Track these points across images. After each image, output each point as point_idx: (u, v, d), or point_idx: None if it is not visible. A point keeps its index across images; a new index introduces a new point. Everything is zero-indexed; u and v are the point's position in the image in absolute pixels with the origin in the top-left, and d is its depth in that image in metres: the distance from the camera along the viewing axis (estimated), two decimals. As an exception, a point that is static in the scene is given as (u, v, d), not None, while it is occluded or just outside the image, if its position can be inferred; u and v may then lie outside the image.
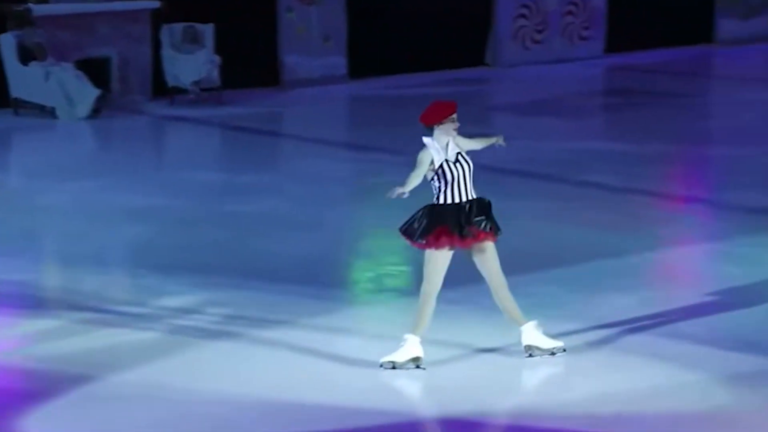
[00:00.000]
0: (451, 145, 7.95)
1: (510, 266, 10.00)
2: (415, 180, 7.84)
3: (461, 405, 7.38)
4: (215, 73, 17.93)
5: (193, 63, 17.86)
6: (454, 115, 7.94)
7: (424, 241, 7.80)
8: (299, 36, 19.58)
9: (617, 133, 16.26)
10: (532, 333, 8.00)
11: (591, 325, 8.65)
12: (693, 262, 10.49)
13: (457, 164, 7.90)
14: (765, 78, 21.85)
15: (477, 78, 20.54)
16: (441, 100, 8.11)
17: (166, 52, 18.04)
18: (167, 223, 11.70)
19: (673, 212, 12.01)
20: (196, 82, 17.85)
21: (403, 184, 7.85)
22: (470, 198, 7.89)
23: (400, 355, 7.83)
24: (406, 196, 7.81)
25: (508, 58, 21.46)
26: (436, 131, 7.93)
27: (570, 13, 22.17)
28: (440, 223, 7.77)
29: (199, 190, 13.10)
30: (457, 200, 7.84)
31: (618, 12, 22.67)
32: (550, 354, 8.00)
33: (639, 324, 8.71)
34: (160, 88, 18.12)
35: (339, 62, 19.89)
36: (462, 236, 7.77)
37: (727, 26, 23.89)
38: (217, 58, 18.01)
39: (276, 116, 17.88)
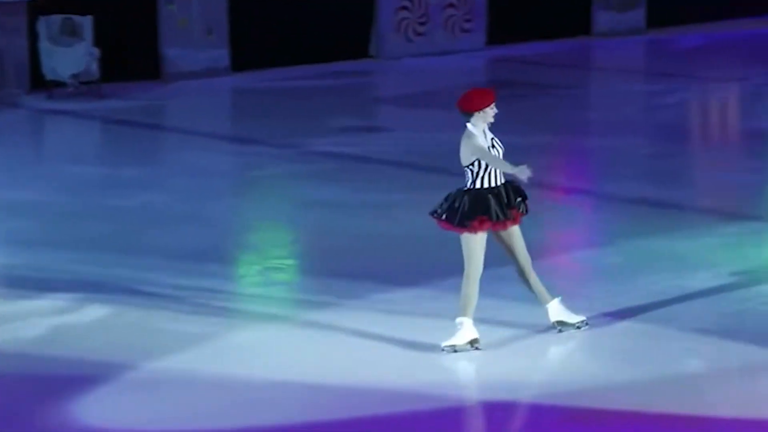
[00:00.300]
0: (486, 132, 8.18)
1: (396, 257, 10.02)
2: (496, 159, 8.04)
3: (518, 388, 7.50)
4: (94, 66, 17.66)
5: (71, 56, 17.57)
6: (494, 103, 8.15)
7: (468, 225, 7.99)
8: (180, 28, 19.38)
9: (499, 124, 16.31)
10: (558, 309, 8.27)
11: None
12: (575, 252, 10.59)
13: (493, 150, 8.17)
14: (641, 69, 22.22)
15: (361, 70, 20.53)
16: (479, 88, 8.35)
17: (44, 45, 17.72)
18: (47, 218, 11.50)
19: (556, 203, 12.12)
20: (74, 75, 17.56)
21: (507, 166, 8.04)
22: (502, 181, 8.12)
23: (460, 339, 8.05)
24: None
25: (392, 51, 21.50)
26: (475, 117, 8.13)
27: (451, 5, 22.29)
28: (483, 207, 7.99)
29: (80, 184, 12.89)
30: (493, 184, 8.07)
31: (498, 5, 22.87)
32: (576, 328, 8.26)
33: (526, 313, 8.81)
34: (38, 82, 17.79)
35: (221, 55, 19.72)
36: (504, 220, 8.02)
37: (604, 19, 24.24)
38: (96, 51, 17.73)
39: (157, 109, 17.67)
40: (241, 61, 19.77)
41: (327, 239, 10.65)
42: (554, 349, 8.22)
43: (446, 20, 22.30)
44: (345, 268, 9.84)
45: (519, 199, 8.16)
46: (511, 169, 8.08)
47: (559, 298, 8.32)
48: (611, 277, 9.44)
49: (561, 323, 8.31)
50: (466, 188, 8.11)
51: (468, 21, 22.52)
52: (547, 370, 8.04)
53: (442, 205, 8.15)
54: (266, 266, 10.19)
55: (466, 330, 8.07)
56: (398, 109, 17.68)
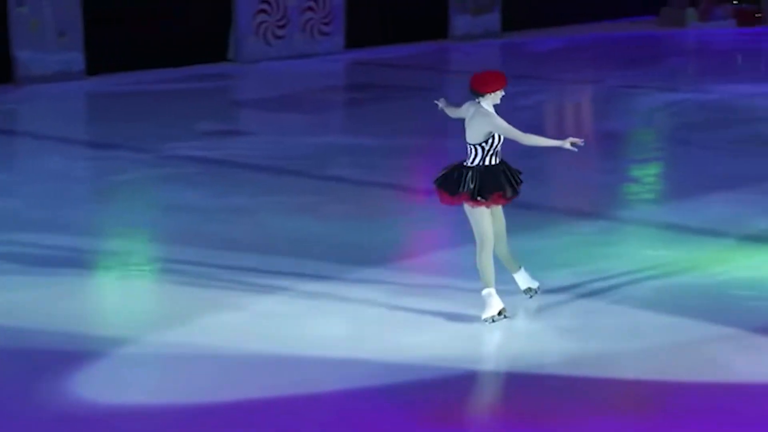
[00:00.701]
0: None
1: (258, 261, 9.95)
2: (527, 135, 8.55)
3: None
4: (-56, 70, 17.26)
5: None
6: (504, 87, 8.62)
7: (487, 199, 8.52)
8: (32, 31, 19.01)
9: (359, 127, 16.43)
10: (525, 276, 8.98)
11: (342, 315, 8.69)
12: (437, 252, 10.65)
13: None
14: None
15: (219, 73, 20.41)
16: (493, 71, 8.70)
17: None
18: None
19: (416, 204, 12.19)
20: None
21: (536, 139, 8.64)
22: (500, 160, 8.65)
23: (494, 309, 8.59)
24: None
25: (251, 54, 21.41)
26: (488, 98, 8.56)
27: (310, 9, 22.29)
28: (498, 183, 8.52)
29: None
30: (495, 162, 8.59)
31: (357, 8, 22.94)
32: (534, 293, 9.01)
33: (391, 313, 8.83)
34: None
35: (75, 58, 19.40)
36: (512, 196, 8.63)
37: (460, 22, 24.50)
38: (-53, 54, 17.33)
39: (9, 114, 17.31)
40: (96, 65, 19.47)
41: (188, 244, 10.54)
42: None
43: (305, 23, 22.29)
44: (207, 274, 9.74)
45: (520, 175, 8.73)
46: (551, 143, 8.69)
47: (523, 266, 8.99)
48: (473, 275, 9.49)
49: (530, 290, 9.01)
50: (474, 165, 8.57)
51: (326, 24, 22.54)
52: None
53: (449, 179, 8.59)
54: (126, 272, 10.03)
55: (495, 300, 8.62)
56: (258, 113, 17.60)
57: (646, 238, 10.68)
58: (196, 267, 9.90)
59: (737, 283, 9.45)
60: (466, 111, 8.64)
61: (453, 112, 8.96)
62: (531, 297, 8.98)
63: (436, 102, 9.08)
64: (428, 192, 12.76)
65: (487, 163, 8.56)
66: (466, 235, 10.54)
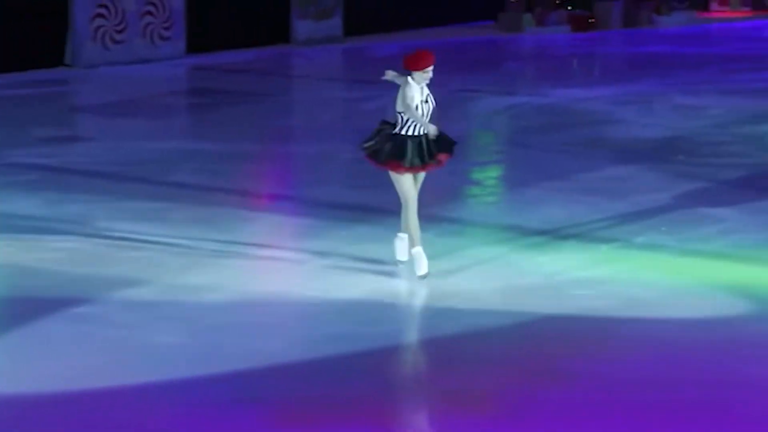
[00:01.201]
0: (424, 88, 9.55)
1: (93, 270, 9.80)
2: (413, 113, 9.35)
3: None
4: None
5: None
6: (432, 66, 9.54)
7: (386, 165, 9.42)
8: None
9: (202, 132, 16.31)
10: (422, 255, 9.56)
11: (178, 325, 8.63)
12: (279, 256, 10.64)
13: (425, 104, 9.52)
14: (338, 77, 22.57)
15: (57, 79, 20.05)
16: (423, 50, 9.62)
17: None
18: None
19: (260, 209, 12.15)
20: None
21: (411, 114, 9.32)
22: (424, 132, 9.42)
23: (425, 265, 9.52)
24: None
25: (89, 59, 21.07)
26: (415, 75, 9.48)
27: (149, 13, 22.04)
28: (401, 152, 9.37)
29: None
30: (414, 133, 9.43)
31: (197, 13, 22.78)
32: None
33: (233, 323, 8.79)
34: None
35: None
36: (419, 165, 9.41)
37: (302, 27, 24.51)
38: None
39: None
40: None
41: (25, 253, 10.33)
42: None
43: (144, 28, 22.04)
44: (42, 283, 9.57)
45: (437, 151, 9.47)
46: (425, 126, 9.39)
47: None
48: (321, 277, 9.52)
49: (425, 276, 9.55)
50: (394, 132, 9.46)
51: (167, 29, 22.33)
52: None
53: (370, 141, 9.49)
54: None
55: (423, 256, 9.49)
56: (97, 119, 17.34)
57: (488, 238, 10.83)
58: (30, 272, 9.71)
59: (575, 283, 9.65)
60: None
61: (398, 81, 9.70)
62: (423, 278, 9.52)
63: (386, 72, 9.79)
64: (272, 197, 12.75)
65: (403, 132, 9.44)
66: (310, 238, 10.55)
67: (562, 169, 13.68)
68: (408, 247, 9.67)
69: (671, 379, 7.73)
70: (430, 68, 9.54)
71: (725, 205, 11.82)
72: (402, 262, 9.77)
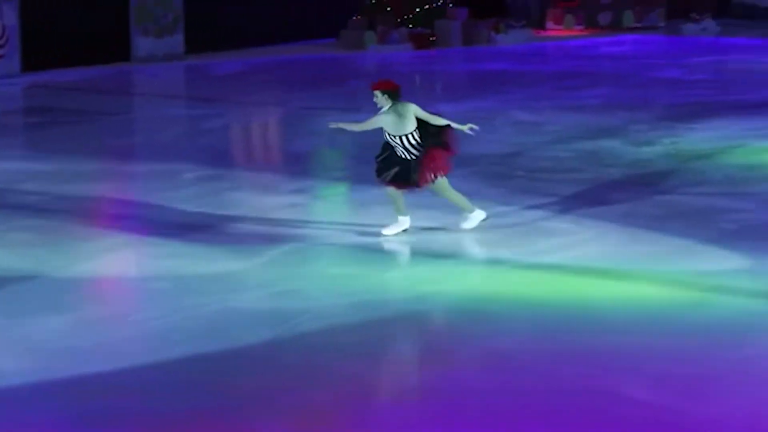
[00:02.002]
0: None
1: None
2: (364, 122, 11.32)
3: None
4: None
5: None
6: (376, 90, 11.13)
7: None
8: None
9: (38, 152, 16.00)
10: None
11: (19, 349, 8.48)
12: (126, 276, 10.51)
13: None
14: (182, 95, 22.41)
15: None
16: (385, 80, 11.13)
17: None
18: None
19: (101, 229, 11.96)
20: None
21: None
22: (412, 156, 11.17)
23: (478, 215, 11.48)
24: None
25: None
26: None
27: (-18, 31, 21.59)
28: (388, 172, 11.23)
29: None
30: (403, 156, 11.09)
31: (33, 31, 22.38)
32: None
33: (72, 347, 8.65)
34: None
35: None
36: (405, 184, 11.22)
37: (143, 44, 24.27)
38: None
39: None
40: None
41: None
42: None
43: (-23, 46, 21.57)
44: None
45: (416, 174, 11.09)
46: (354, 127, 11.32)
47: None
48: (159, 298, 9.42)
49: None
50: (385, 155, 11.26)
51: (1, 47, 21.89)
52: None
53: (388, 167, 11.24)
54: None
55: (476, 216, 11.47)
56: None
57: (337, 256, 10.85)
58: None
59: (433, 299, 9.74)
60: None
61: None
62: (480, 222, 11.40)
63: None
64: (112, 217, 12.56)
65: (398, 153, 11.11)
66: (152, 258, 10.44)
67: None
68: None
69: (518, 390, 7.84)
70: (378, 93, 11.07)
71: (565, 219, 12.05)
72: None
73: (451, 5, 29.63)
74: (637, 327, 9.00)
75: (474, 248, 11.15)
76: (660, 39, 31.70)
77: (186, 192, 13.41)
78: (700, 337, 8.76)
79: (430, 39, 28.34)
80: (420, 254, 10.95)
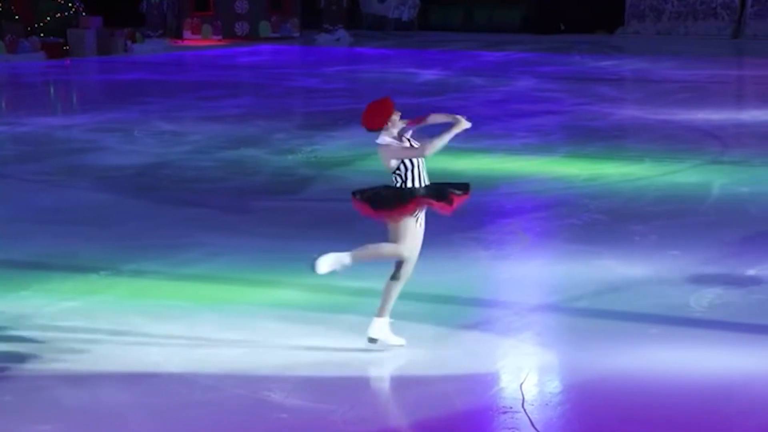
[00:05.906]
0: (404, 135, 8.36)
1: None
2: (422, 146, 8.19)
3: None
4: None
5: None
6: (396, 113, 8.29)
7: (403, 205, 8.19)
8: None
9: None
10: (383, 327, 8.48)
11: None
12: None
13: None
14: None
15: None
16: (375, 102, 8.29)
17: None
18: None
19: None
20: None
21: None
22: (427, 182, 8.34)
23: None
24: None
25: None
26: (384, 131, 8.28)
27: None
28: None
29: None
30: (420, 184, 8.30)
31: None
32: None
33: None
34: None
35: None
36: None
37: None
38: None
39: None
40: None
41: None
42: None
43: None
44: None
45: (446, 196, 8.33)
46: (447, 119, 8.30)
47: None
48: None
49: (374, 340, 8.48)
50: (399, 187, 8.32)
51: None
52: None
53: (379, 197, 8.31)
54: None
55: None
56: None
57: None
58: None
59: (68, 312, 9.49)
60: None
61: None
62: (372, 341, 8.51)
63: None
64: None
65: (409, 185, 8.32)
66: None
67: (45, 199, 13.40)
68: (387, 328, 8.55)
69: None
70: (394, 114, 8.27)
71: (210, 230, 12.04)
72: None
73: (83, 14, 29.09)
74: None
75: (122, 261, 10.95)
76: (296, 49, 32.26)
77: None
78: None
79: (64, 48, 27.72)
80: (69, 269, 10.66)
